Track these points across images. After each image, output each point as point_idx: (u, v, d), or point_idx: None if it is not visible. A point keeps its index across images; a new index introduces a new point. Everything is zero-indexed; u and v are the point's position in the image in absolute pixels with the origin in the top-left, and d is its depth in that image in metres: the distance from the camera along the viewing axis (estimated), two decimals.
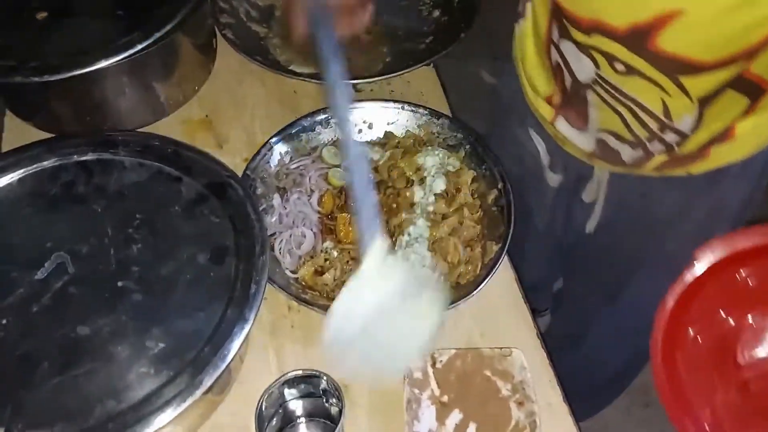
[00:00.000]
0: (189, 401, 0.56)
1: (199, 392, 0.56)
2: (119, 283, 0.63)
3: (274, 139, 0.85)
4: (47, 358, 0.58)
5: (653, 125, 0.67)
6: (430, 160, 0.84)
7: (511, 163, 0.84)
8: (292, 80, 0.96)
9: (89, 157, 0.72)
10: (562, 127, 0.76)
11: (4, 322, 0.60)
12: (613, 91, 0.66)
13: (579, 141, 0.75)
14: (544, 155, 0.85)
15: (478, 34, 1.00)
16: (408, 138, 0.88)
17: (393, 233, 0.78)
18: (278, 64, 0.98)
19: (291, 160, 0.86)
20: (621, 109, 0.67)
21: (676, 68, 0.59)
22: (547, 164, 0.86)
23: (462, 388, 0.69)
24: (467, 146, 0.86)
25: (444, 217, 0.81)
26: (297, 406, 0.65)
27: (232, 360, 0.58)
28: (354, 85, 0.98)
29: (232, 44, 0.96)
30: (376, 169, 0.84)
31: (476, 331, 0.74)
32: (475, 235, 0.80)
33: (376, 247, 0.50)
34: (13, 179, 0.70)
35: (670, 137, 0.68)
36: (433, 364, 0.70)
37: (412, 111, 0.89)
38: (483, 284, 0.72)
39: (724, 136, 0.66)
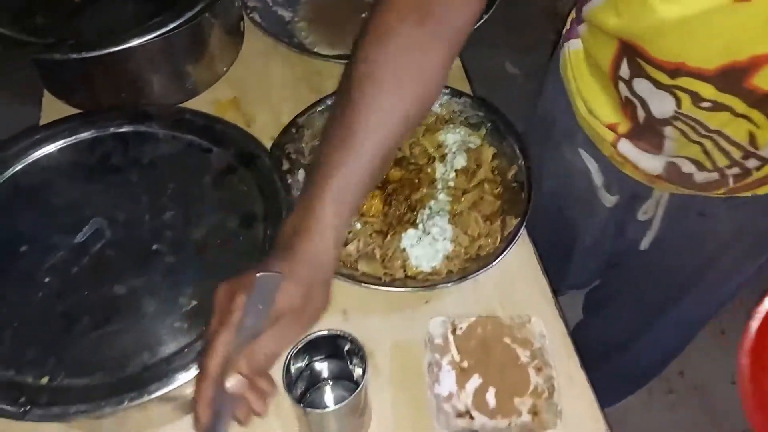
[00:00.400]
0: None
1: None
2: (153, 247, 0.66)
3: (299, 119, 0.88)
4: (86, 314, 0.61)
5: (736, 155, 0.65)
6: (452, 137, 0.86)
7: (554, 179, 0.84)
8: (317, 61, 0.98)
9: (125, 129, 0.75)
10: (626, 149, 0.73)
11: (47, 281, 0.64)
12: (695, 125, 0.63)
13: (646, 164, 0.72)
14: (596, 175, 0.82)
15: (502, 24, 1.01)
16: (429, 116, 0.90)
17: (414, 207, 0.80)
18: (303, 47, 1.00)
19: (316, 138, 0.88)
20: (703, 140, 0.65)
21: None
22: (600, 184, 0.83)
23: (482, 354, 0.71)
24: (488, 124, 0.87)
25: (464, 192, 0.82)
26: (322, 367, 0.67)
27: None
28: None
29: (259, 27, 0.99)
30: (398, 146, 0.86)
31: (496, 301, 0.76)
32: (494, 209, 0.81)
33: None
34: (53, 150, 0.74)
35: (751, 163, 0.66)
36: (454, 331, 0.72)
37: None
38: (502, 256, 0.74)
39: None
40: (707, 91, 0.58)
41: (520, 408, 0.67)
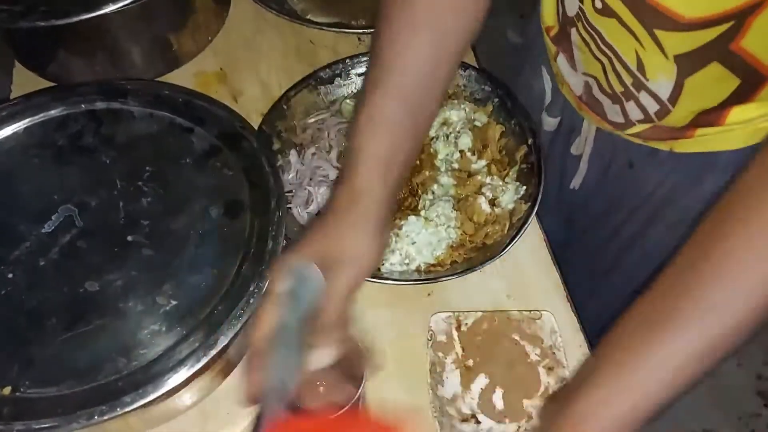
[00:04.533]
0: (203, 361, 0.53)
1: (214, 352, 0.54)
2: (129, 238, 0.60)
3: (290, 92, 0.81)
4: (55, 314, 0.55)
5: (628, 80, 0.63)
6: (456, 114, 0.80)
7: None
8: (310, 30, 0.92)
9: (98, 106, 0.68)
10: (560, 62, 0.72)
11: (10, 276, 0.58)
12: (592, 32, 0.63)
13: (571, 81, 0.72)
14: (547, 96, 0.81)
15: None
16: None
17: (416, 191, 0.74)
18: (295, 14, 0.93)
19: (309, 114, 0.82)
20: (600, 56, 0.64)
21: (653, 19, 0.55)
22: (545, 105, 0.81)
23: (488, 352, 0.66)
24: (495, 100, 0.81)
25: (470, 174, 0.76)
26: None
27: (248, 320, 0.55)
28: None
29: None
30: None
31: (503, 293, 0.71)
32: (502, 193, 0.75)
33: None
34: (19, 128, 0.67)
35: (647, 101, 0.63)
36: (458, 327, 0.67)
37: None
38: (511, 245, 0.69)
39: (713, 119, 0.61)
40: None
41: (530, 411, 0.62)
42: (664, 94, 0.61)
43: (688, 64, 0.58)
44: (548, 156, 0.86)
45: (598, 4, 0.60)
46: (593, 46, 0.64)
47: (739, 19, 0.52)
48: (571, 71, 0.71)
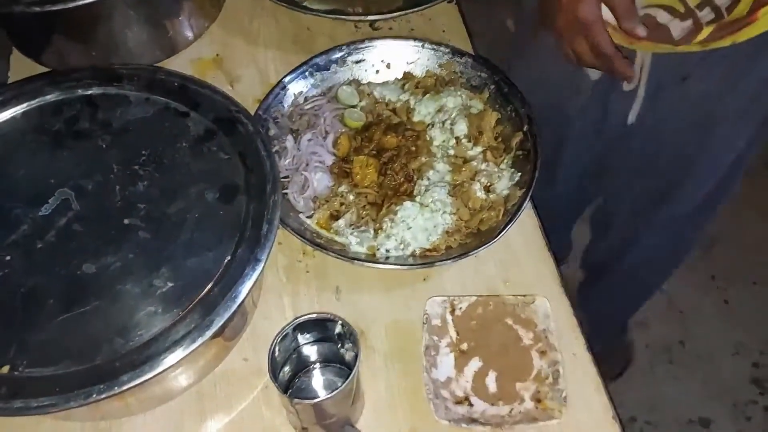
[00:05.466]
0: (199, 341, 0.54)
1: (209, 333, 0.54)
2: (125, 221, 0.60)
3: (287, 79, 0.81)
4: (52, 296, 0.56)
5: None
6: (452, 101, 0.80)
7: (546, 65, 0.83)
8: (306, 17, 0.92)
9: (93, 91, 0.68)
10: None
11: (8, 259, 0.58)
12: None
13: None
14: None
15: None
16: (428, 78, 0.84)
17: (412, 177, 0.75)
18: (292, 0, 0.93)
19: (305, 100, 0.82)
20: None
21: None
22: None
23: (482, 336, 0.66)
24: (492, 86, 0.81)
25: (465, 160, 0.77)
26: (311, 351, 0.62)
27: (243, 301, 0.56)
28: (372, 23, 0.93)
29: None
30: (394, 111, 0.80)
31: (498, 278, 0.71)
32: (497, 180, 0.75)
33: None
34: (15, 113, 0.67)
35: (721, 1, 0.65)
36: (453, 311, 0.67)
37: (433, 49, 0.84)
38: (505, 230, 0.69)
39: None
40: None
41: (523, 394, 0.63)
42: None
43: None
44: (591, 105, 0.88)
45: None
46: None
47: None
48: None
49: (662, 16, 0.69)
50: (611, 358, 1.41)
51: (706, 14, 0.67)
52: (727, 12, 0.66)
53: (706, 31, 0.69)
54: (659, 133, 0.85)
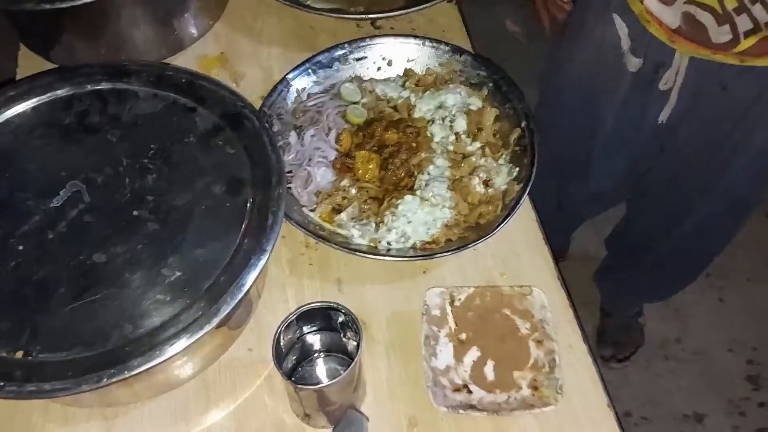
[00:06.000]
0: (206, 329, 0.55)
1: (216, 320, 0.56)
2: (134, 212, 0.62)
3: (290, 75, 0.83)
4: (64, 284, 0.57)
5: None
6: (451, 98, 0.82)
7: (586, 55, 0.86)
8: (309, 15, 0.93)
9: (103, 86, 0.70)
10: (650, 3, 0.76)
11: (21, 248, 0.60)
12: None
13: (665, 16, 0.75)
14: (625, 40, 0.84)
15: None
16: (428, 76, 0.85)
17: (412, 172, 0.77)
18: None
19: (308, 97, 0.84)
20: None
21: None
22: (628, 48, 0.84)
23: (480, 326, 0.68)
24: (490, 84, 0.83)
25: (464, 156, 0.78)
26: (314, 340, 0.64)
27: (249, 290, 0.58)
28: (373, 21, 0.94)
29: None
30: (395, 107, 0.82)
31: (496, 270, 0.73)
32: (496, 175, 0.77)
33: None
34: (26, 108, 0.69)
35: (758, 12, 0.67)
36: (452, 302, 0.69)
37: (433, 47, 0.86)
38: (503, 224, 0.71)
39: None
40: None
41: (520, 382, 0.65)
42: None
43: None
44: (629, 99, 0.89)
45: None
46: None
47: None
48: (663, 7, 0.75)
49: (701, 15, 0.71)
50: (624, 339, 1.43)
51: (743, 22, 0.69)
52: (766, 27, 0.68)
53: (746, 43, 0.70)
54: (693, 133, 0.86)
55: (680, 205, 1.00)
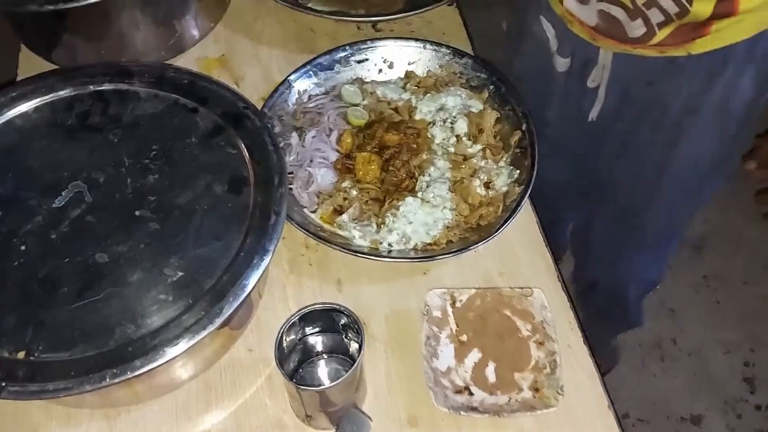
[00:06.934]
0: (208, 329, 0.55)
1: (218, 321, 0.56)
2: (136, 212, 0.62)
3: (292, 77, 0.83)
4: (66, 283, 0.57)
5: None
6: (452, 100, 0.82)
7: (523, 60, 0.87)
8: (309, 18, 0.94)
9: (105, 87, 0.70)
10: (569, 3, 0.76)
11: (23, 248, 0.60)
12: None
13: (583, 15, 0.75)
14: (553, 41, 0.84)
15: None
16: (429, 78, 0.86)
17: (413, 174, 0.77)
18: (295, 1, 0.95)
19: (309, 98, 0.84)
20: None
21: None
22: (555, 49, 0.85)
23: (481, 327, 0.68)
24: (491, 87, 0.83)
25: (465, 158, 0.79)
26: (316, 341, 0.64)
27: (252, 290, 0.58)
28: (374, 24, 0.95)
29: None
30: (396, 109, 0.82)
31: (496, 272, 0.73)
32: (496, 177, 0.78)
33: None
34: (29, 108, 0.69)
35: (667, 4, 0.67)
36: (453, 303, 0.69)
37: (434, 50, 0.86)
38: (504, 226, 0.71)
39: (727, 10, 0.66)
40: None
41: (521, 383, 0.65)
42: None
43: None
44: (563, 98, 0.90)
45: None
46: None
47: None
48: (581, 7, 0.75)
49: (615, 11, 0.72)
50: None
51: (655, 15, 0.69)
52: (677, 17, 0.68)
53: (660, 35, 0.70)
54: (625, 133, 0.86)
55: (613, 241, 1.01)
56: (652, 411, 1.40)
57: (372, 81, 0.86)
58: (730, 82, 0.74)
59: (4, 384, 0.51)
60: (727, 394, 1.42)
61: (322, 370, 0.66)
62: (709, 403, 1.41)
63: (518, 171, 0.77)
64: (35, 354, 0.53)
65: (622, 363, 1.44)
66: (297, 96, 0.84)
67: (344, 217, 0.74)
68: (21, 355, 0.53)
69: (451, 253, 0.70)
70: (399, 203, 0.73)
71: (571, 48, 0.83)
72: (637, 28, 0.71)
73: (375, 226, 0.73)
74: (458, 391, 0.65)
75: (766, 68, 0.73)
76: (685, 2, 0.66)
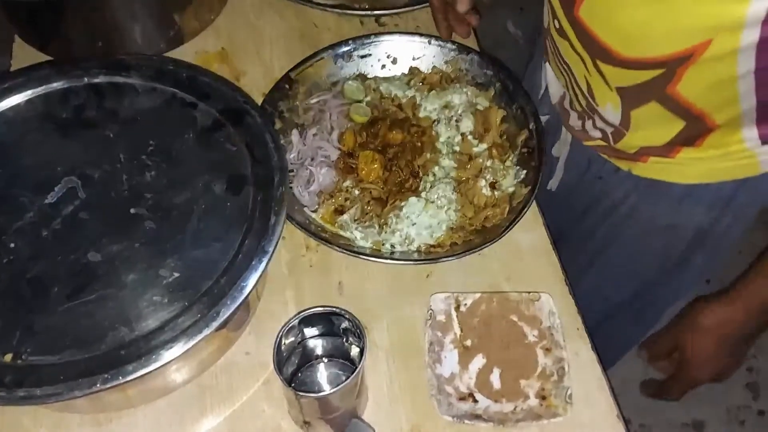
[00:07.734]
0: (205, 332, 0.53)
1: (215, 324, 0.54)
2: (132, 210, 0.60)
3: (292, 73, 0.81)
4: (57, 283, 0.55)
5: (583, 101, 0.68)
6: (458, 97, 0.80)
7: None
8: (312, 12, 0.92)
9: (100, 80, 0.68)
10: (547, 68, 0.77)
11: (13, 246, 0.57)
12: (557, 49, 0.68)
13: (552, 88, 0.77)
14: (542, 90, 0.84)
15: None
16: (434, 74, 0.84)
17: (417, 173, 0.75)
18: None
19: (311, 95, 0.82)
20: (564, 72, 0.69)
21: (596, 50, 0.59)
22: (539, 97, 0.84)
23: (486, 332, 0.66)
24: (497, 84, 0.81)
25: (471, 157, 0.77)
26: (316, 344, 0.62)
27: (250, 293, 0.56)
28: (377, 18, 0.93)
29: None
30: (399, 106, 0.80)
31: (502, 275, 0.71)
32: (503, 177, 0.75)
33: None
34: (21, 100, 0.66)
35: (601, 124, 0.68)
36: (457, 308, 0.67)
37: (439, 46, 0.84)
38: (510, 228, 0.69)
39: (666, 152, 0.66)
40: (558, 9, 0.63)
41: (527, 391, 0.63)
42: (614, 119, 0.65)
43: (631, 97, 0.61)
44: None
45: (556, 24, 0.64)
46: (558, 61, 0.69)
47: (670, 67, 0.54)
48: (554, 77, 0.75)
49: (566, 101, 0.74)
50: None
51: (593, 129, 0.70)
52: (613, 140, 0.68)
53: (597, 142, 0.71)
54: (582, 208, 0.85)
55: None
56: (654, 417, 1.38)
57: (375, 77, 0.84)
58: (672, 209, 0.73)
59: None
60: (730, 400, 1.41)
61: (322, 374, 0.64)
62: (712, 410, 1.40)
63: (525, 171, 0.75)
64: (23, 357, 0.51)
65: (624, 368, 1.42)
66: (298, 92, 0.81)
67: (345, 217, 0.72)
68: (8, 358, 0.51)
69: (455, 255, 0.68)
70: (402, 204, 0.71)
71: (549, 108, 0.83)
72: (578, 129, 0.72)
73: (377, 227, 0.71)
74: (462, 398, 0.63)
75: (721, 203, 0.71)
76: (620, 127, 0.66)
